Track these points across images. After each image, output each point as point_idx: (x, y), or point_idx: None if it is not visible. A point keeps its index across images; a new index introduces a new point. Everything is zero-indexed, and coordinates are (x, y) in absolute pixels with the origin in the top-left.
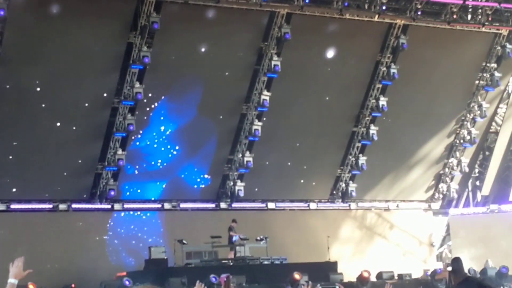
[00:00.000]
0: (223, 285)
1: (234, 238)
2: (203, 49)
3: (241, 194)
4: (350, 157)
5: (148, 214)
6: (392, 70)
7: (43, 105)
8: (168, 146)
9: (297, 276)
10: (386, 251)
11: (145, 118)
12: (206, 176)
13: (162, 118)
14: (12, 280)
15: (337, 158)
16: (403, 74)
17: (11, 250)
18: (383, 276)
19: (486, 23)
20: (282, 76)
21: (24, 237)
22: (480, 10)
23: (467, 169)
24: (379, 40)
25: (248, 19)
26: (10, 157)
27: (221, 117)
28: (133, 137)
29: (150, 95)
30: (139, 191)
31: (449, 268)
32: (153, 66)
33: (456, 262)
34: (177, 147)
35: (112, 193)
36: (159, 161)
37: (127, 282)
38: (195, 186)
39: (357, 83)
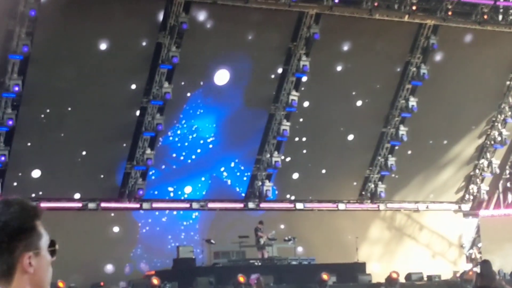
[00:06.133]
0: (253, 285)
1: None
2: (231, 49)
3: (269, 194)
4: (379, 157)
5: (175, 213)
6: (422, 71)
7: (72, 104)
8: (196, 148)
9: None
10: (415, 252)
11: (173, 117)
12: (237, 173)
13: (189, 118)
14: None
15: (366, 159)
16: (433, 74)
17: None
18: (412, 278)
19: None
20: (310, 76)
21: (53, 235)
22: (511, 11)
23: (497, 170)
24: (409, 40)
25: (277, 19)
26: (40, 156)
27: (248, 117)
28: (160, 137)
29: (177, 95)
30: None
31: (477, 270)
32: (181, 66)
33: (485, 264)
34: (204, 147)
35: (141, 192)
36: (189, 160)
37: (155, 281)
38: (222, 186)
39: (387, 83)
